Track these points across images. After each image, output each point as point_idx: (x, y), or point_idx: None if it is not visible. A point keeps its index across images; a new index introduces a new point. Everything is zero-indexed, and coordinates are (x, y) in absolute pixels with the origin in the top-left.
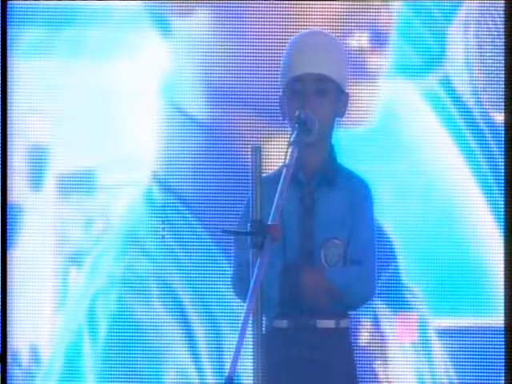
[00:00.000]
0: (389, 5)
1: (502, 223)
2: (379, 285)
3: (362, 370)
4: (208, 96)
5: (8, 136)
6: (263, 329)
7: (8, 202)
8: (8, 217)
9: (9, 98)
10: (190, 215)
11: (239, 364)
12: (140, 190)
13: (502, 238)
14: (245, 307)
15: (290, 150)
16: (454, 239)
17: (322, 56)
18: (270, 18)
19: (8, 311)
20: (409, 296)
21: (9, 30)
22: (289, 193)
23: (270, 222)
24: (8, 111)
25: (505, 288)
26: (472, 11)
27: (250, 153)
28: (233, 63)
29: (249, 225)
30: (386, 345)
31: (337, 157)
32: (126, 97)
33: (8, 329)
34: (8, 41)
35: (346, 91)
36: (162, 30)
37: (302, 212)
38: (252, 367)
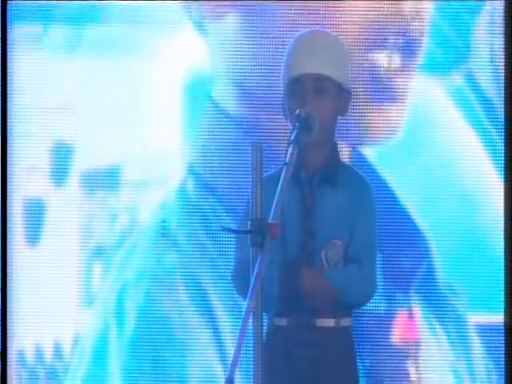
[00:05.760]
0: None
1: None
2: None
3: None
4: (235, 93)
5: (30, 135)
6: (264, 327)
7: (32, 199)
8: (32, 213)
9: (15, 96)
10: (220, 208)
11: (239, 364)
12: (165, 185)
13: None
14: (245, 306)
15: (290, 149)
16: (457, 236)
17: (319, 55)
18: (298, 20)
19: (25, 308)
20: (411, 293)
21: (9, 30)
22: (290, 192)
23: (270, 221)
24: (19, 111)
25: (505, 285)
26: (496, 10)
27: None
28: (261, 61)
29: (249, 223)
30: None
31: (339, 155)
32: (150, 93)
33: (25, 326)
34: (8, 40)
35: (348, 88)
36: (187, 27)
37: (303, 211)
38: (252, 366)
